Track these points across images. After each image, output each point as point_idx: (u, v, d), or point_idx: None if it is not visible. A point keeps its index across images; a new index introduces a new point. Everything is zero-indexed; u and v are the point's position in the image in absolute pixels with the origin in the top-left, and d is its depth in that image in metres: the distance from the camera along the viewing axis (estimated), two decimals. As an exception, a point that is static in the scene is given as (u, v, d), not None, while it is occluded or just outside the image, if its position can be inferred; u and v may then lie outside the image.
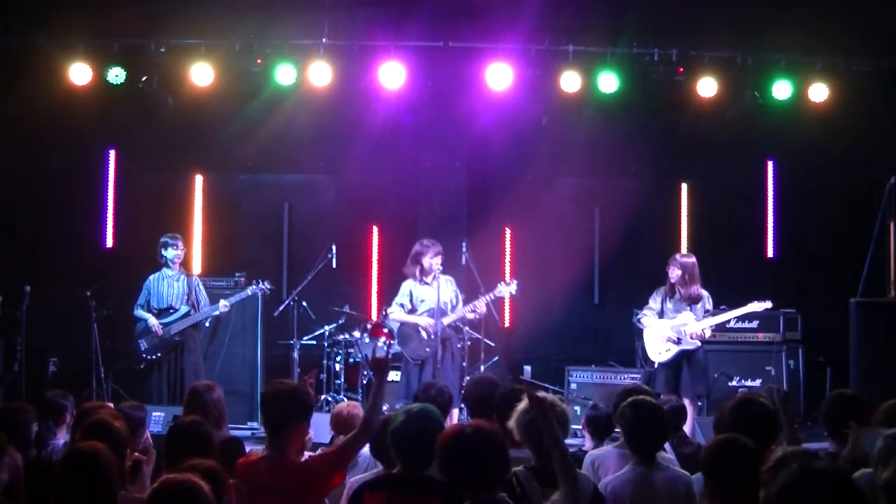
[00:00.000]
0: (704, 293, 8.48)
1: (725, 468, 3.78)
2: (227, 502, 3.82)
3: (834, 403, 5.05)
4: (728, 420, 4.53)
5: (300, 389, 4.60)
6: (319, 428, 6.26)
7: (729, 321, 9.01)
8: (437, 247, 8.53)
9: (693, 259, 8.55)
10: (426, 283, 8.56)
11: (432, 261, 8.48)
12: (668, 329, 8.39)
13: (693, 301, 8.41)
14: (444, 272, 8.56)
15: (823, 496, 2.63)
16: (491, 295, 8.64)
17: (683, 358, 8.38)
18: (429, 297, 8.53)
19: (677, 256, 8.59)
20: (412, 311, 8.63)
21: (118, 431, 4.37)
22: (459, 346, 8.73)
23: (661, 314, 8.51)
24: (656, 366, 8.57)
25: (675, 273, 8.42)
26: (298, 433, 4.43)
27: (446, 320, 8.47)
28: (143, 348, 8.82)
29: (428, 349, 8.45)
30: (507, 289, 8.66)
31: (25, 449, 5.09)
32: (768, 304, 8.52)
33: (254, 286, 9.09)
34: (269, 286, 9.15)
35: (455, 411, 8.54)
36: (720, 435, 4.21)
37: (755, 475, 3.69)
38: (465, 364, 8.83)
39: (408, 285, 8.68)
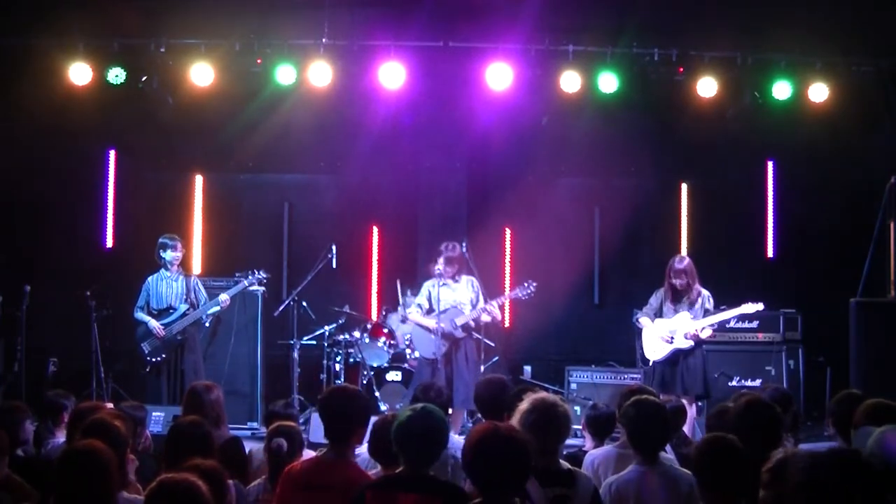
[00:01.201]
0: (705, 293, 8.48)
1: (715, 467, 3.79)
2: (228, 503, 3.82)
3: (842, 403, 5.04)
4: (734, 423, 4.54)
5: (360, 394, 4.64)
6: (320, 428, 6.26)
7: (728, 321, 9.00)
8: (449, 252, 8.53)
9: (689, 260, 8.56)
10: (445, 284, 8.58)
11: (439, 266, 8.52)
12: (663, 328, 8.42)
13: (693, 301, 8.41)
14: (448, 275, 8.58)
15: (839, 476, 2.61)
16: (504, 297, 8.66)
17: (679, 357, 8.38)
18: (444, 298, 8.56)
19: (676, 265, 8.47)
20: (430, 310, 8.65)
21: (118, 431, 4.36)
22: (473, 346, 8.72)
23: (660, 314, 8.52)
24: (651, 364, 8.60)
25: (680, 281, 8.41)
26: (360, 437, 4.48)
27: (459, 320, 8.49)
28: (146, 351, 8.80)
29: (441, 348, 8.47)
30: (524, 291, 8.68)
31: (15, 447, 5.09)
32: (760, 306, 8.51)
33: (250, 277, 9.07)
34: (264, 275, 9.14)
35: (464, 412, 8.56)
36: (708, 434, 4.23)
37: (745, 474, 3.71)
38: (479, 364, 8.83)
39: (427, 286, 8.73)
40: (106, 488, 3.74)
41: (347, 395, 4.53)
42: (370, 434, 4.69)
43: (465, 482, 4.02)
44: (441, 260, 8.53)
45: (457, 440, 4.97)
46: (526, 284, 8.72)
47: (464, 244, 9.08)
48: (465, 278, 8.64)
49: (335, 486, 4.19)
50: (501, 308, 8.68)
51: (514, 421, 4.28)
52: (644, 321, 8.58)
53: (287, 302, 9.91)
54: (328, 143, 11.08)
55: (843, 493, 2.62)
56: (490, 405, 5.37)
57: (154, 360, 8.78)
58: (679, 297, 8.46)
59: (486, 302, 8.57)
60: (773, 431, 4.42)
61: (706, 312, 8.41)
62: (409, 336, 9.38)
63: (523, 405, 4.29)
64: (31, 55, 9.62)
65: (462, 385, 8.25)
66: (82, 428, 4.42)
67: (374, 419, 4.77)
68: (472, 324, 8.62)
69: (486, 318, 8.64)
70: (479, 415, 6.01)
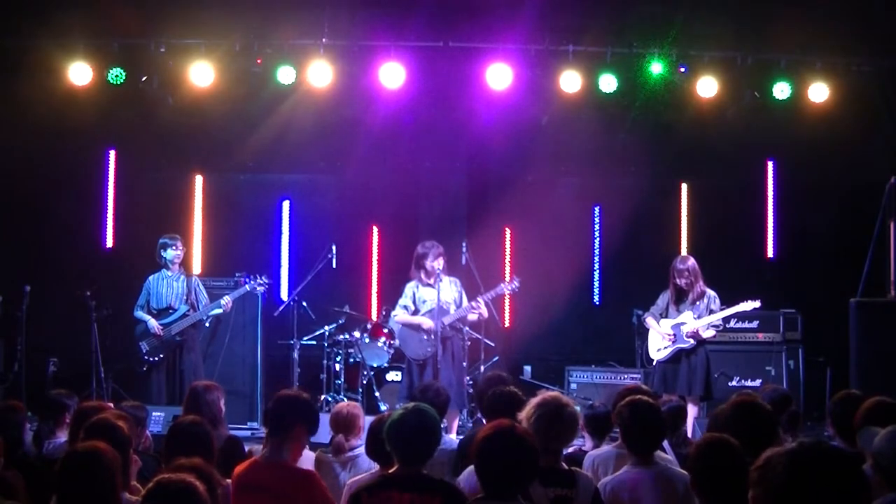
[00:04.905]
0: (711, 293, 8.49)
1: (712, 467, 3.78)
2: (221, 501, 3.82)
3: (841, 403, 5.04)
4: (728, 423, 4.53)
5: (304, 396, 4.66)
6: (320, 428, 6.26)
7: (728, 321, 9.01)
8: (439, 248, 8.54)
9: (692, 260, 8.57)
10: (428, 284, 8.58)
11: (434, 262, 8.50)
12: (667, 327, 8.44)
13: (697, 299, 8.43)
14: (445, 272, 8.57)
15: (824, 469, 2.60)
16: (491, 293, 8.65)
17: (681, 356, 8.40)
18: (430, 298, 8.55)
19: (678, 265, 8.52)
20: (415, 312, 8.64)
21: (122, 431, 4.35)
22: (461, 345, 8.72)
23: (666, 314, 8.55)
24: (654, 363, 8.61)
25: (683, 280, 8.45)
26: (298, 437, 4.46)
27: (446, 320, 8.48)
28: (144, 350, 8.82)
29: (429, 349, 8.48)
30: (508, 287, 8.68)
31: (18, 447, 5.08)
32: (757, 304, 8.54)
33: (251, 282, 9.09)
34: (266, 280, 9.17)
35: (455, 412, 8.55)
36: (706, 434, 4.21)
37: (742, 474, 3.69)
38: (465, 364, 8.83)
39: (411, 287, 8.71)
40: (109, 489, 3.73)
41: (287, 394, 4.65)
42: (367, 434, 4.70)
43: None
44: (431, 257, 8.48)
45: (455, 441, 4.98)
46: (510, 280, 8.73)
47: (464, 244, 9.09)
48: (446, 278, 8.61)
49: (268, 486, 4.23)
50: (487, 305, 8.64)
51: (522, 417, 4.28)
52: (650, 322, 8.61)
53: (287, 302, 9.92)
54: (328, 143, 11.08)
55: (823, 488, 2.61)
56: (496, 404, 5.34)
57: (151, 359, 8.80)
58: (683, 297, 8.49)
59: (472, 300, 8.56)
60: (766, 431, 4.40)
61: (711, 313, 8.42)
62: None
63: (532, 402, 4.30)
64: (31, 55, 9.62)
65: (447, 386, 8.23)
66: (86, 428, 4.41)
67: (371, 419, 4.77)
68: (459, 323, 8.62)
69: (472, 316, 8.63)
70: (480, 414, 6.01)
